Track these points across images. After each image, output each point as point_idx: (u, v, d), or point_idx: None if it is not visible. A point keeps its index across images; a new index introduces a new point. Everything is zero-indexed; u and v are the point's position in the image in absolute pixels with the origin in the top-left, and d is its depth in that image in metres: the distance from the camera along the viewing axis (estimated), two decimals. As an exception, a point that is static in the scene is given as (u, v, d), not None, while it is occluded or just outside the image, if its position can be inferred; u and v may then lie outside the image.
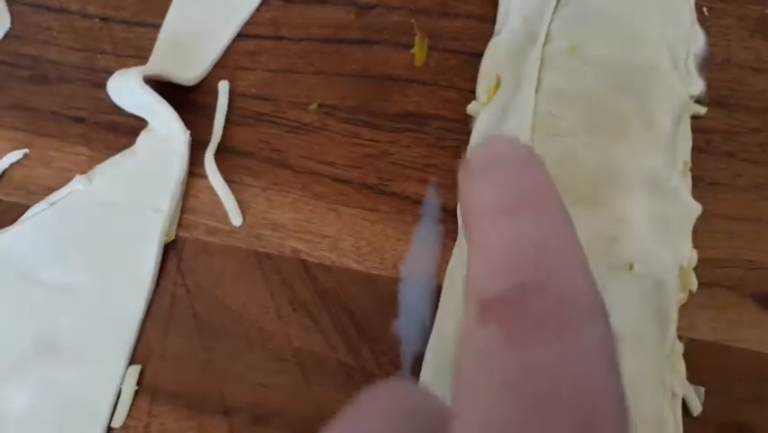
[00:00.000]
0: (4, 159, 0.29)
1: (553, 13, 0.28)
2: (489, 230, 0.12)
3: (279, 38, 0.31)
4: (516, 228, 0.11)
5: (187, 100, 0.30)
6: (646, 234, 0.23)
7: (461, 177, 0.13)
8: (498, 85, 0.28)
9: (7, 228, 0.27)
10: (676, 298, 0.23)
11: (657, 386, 0.22)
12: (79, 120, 0.30)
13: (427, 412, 0.13)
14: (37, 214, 0.27)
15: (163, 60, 0.30)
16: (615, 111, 0.24)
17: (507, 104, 0.27)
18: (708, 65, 0.30)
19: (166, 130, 0.28)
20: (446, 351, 0.23)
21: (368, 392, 0.13)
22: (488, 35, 0.30)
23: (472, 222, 0.12)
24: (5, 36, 0.32)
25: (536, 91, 0.26)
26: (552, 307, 0.10)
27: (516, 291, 0.11)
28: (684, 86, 0.27)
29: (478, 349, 0.11)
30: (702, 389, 0.24)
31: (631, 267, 0.22)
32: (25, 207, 0.28)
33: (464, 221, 0.13)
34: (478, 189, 0.12)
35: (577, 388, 0.10)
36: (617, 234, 0.22)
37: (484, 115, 0.28)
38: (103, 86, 0.30)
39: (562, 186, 0.23)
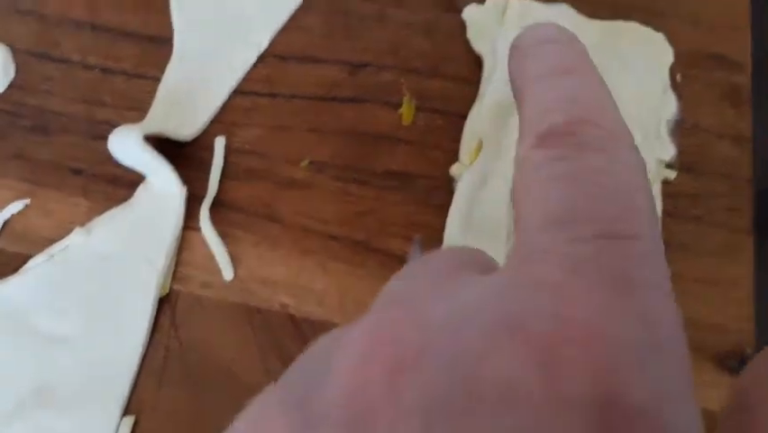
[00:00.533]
0: (7, 209, 0.30)
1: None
2: (546, 87, 0.13)
3: (274, 95, 0.33)
4: (569, 84, 0.13)
5: (183, 154, 0.31)
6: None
7: (514, 56, 0.15)
8: (479, 148, 0.30)
9: (9, 278, 0.28)
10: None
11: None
12: (78, 172, 0.31)
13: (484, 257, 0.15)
14: (37, 265, 0.28)
15: (161, 115, 0.31)
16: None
17: (488, 169, 0.28)
18: (678, 130, 0.32)
19: (163, 185, 0.29)
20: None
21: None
22: (473, 97, 0.32)
23: (529, 87, 0.14)
24: (9, 86, 0.33)
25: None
26: (599, 136, 0.13)
27: (569, 125, 0.13)
28: (652, 154, 0.29)
29: (535, 164, 0.13)
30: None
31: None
32: (26, 257, 0.29)
33: (518, 90, 0.14)
34: (533, 60, 0.14)
35: (621, 182, 0.12)
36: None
37: (466, 178, 0.29)
38: (102, 137, 0.31)
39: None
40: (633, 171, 0.12)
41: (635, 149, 0.13)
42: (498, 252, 0.26)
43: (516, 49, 0.15)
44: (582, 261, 0.11)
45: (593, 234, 0.11)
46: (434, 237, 0.30)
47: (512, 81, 0.15)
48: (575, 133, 0.13)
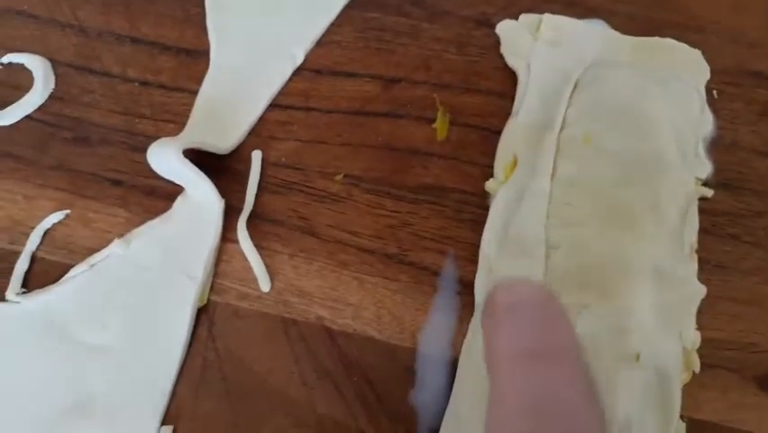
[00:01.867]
0: (48, 219, 0.31)
1: (570, 97, 0.30)
2: (513, 373, 0.14)
3: (310, 109, 0.33)
4: (536, 374, 0.13)
5: (221, 167, 0.32)
6: (652, 323, 0.24)
7: (486, 321, 0.15)
8: (515, 164, 0.30)
9: (50, 287, 0.29)
10: (679, 385, 0.24)
11: (660, 468, 0.24)
12: (118, 183, 0.32)
13: None
14: (77, 275, 0.29)
15: (199, 128, 0.32)
16: (624, 203, 0.26)
17: (524, 187, 0.28)
18: (715, 147, 0.31)
19: (201, 198, 0.30)
20: (461, 426, 0.25)
21: None
22: (507, 112, 0.32)
23: (498, 367, 0.14)
24: (50, 97, 0.34)
25: (552, 178, 0.27)
26: None
27: None
28: (691, 175, 0.29)
29: None
30: (703, 469, 0.26)
31: (638, 358, 0.23)
32: (66, 266, 0.30)
33: (489, 364, 0.14)
34: (503, 335, 0.14)
35: None
36: (626, 326, 0.23)
37: (501, 194, 0.29)
38: (141, 149, 0.31)
39: (573, 275, 0.25)
40: None
41: None
42: (534, 270, 0.26)
43: (487, 310, 0.15)
44: None
45: None
46: (467, 252, 0.30)
47: (484, 348, 0.16)
48: None
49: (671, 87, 0.29)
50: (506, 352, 0.14)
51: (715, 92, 0.33)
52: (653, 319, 0.24)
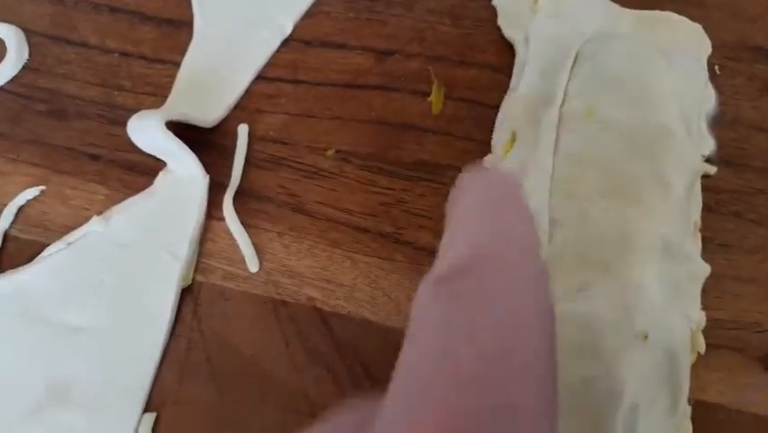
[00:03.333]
0: (21, 195, 0.29)
1: (570, 70, 0.29)
2: (432, 299, 0.13)
3: (298, 81, 0.32)
4: (455, 299, 0.12)
5: (205, 141, 0.30)
6: (660, 301, 0.23)
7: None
8: (513, 140, 0.29)
9: (24, 267, 0.27)
10: (687, 365, 0.24)
11: (667, 450, 0.23)
12: (96, 158, 0.30)
13: None
14: (54, 254, 0.27)
15: (182, 100, 0.30)
16: (629, 176, 0.25)
17: (524, 162, 0.27)
18: (717, 124, 0.31)
19: (185, 173, 0.28)
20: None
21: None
22: (504, 86, 0.31)
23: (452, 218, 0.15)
24: (23, 68, 0.32)
25: (553, 153, 0.26)
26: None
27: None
28: (697, 148, 0.28)
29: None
30: (708, 451, 0.25)
31: (646, 337, 0.22)
32: (42, 245, 0.28)
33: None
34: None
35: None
36: (633, 303, 0.22)
37: (500, 170, 0.28)
38: (120, 123, 0.30)
39: (578, 252, 0.24)
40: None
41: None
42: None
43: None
44: None
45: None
46: (465, 230, 0.28)
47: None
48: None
49: (675, 60, 0.28)
50: (430, 275, 0.13)
51: (717, 67, 0.32)
52: (660, 296, 0.23)
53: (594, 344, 0.22)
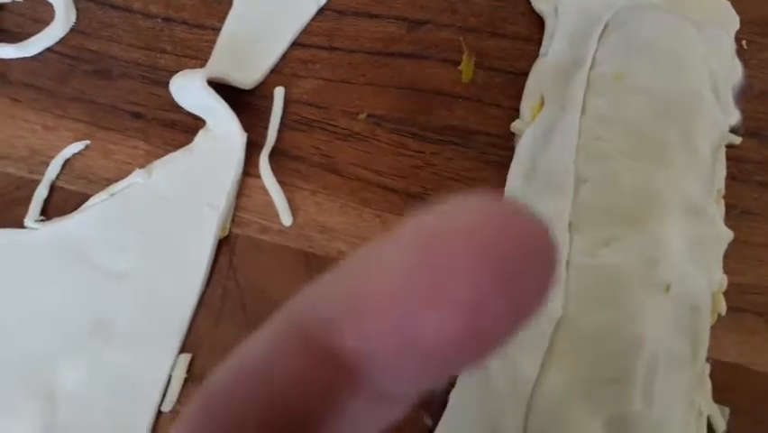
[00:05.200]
0: (68, 149, 0.30)
1: (600, 38, 0.30)
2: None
3: (333, 48, 0.33)
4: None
5: (243, 102, 0.31)
6: (683, 257, 0.24)
7: None
8: (542, 104, 0.29)
9: (70, 215, 0.29)
10: (708, 320, 0.24)
11: (686, 403, 0.23)
12: (138, 116, 0.31)
13: None
14: (98, 203, 0.29)
15: (222, 64, 0.31)
16: (657, 137, 0.25)
17: (552, 124, 0.28)
18: (744, 96, 0.31)
19: (224, 131, 0.29)
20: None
21: None
22: (533, 56, 0.32)
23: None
24: (71, 31, 0.33)
25: (581, 114, 0.27)
26: None
27: None
28: (725, 116, 0.28)
29: None
30: (727, 409, 0.25)
31: (668, 289, 0.23)
32: (85, 196, 0.29)
33: None
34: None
35: None
36: (657, 256, 0.23)
37: (528, 134, 0.29)
38: (162, 83, 0.31)
39: (603, 208, 0.25)
40: None
41: None
42: (562, 204, 0.25)
43: None
44: None
45: None
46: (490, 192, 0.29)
47: None
48: None
49: (704, 30, 0.29)
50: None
51: (744, 42, 0.32)
52: (683, 252, 0.24)
53: (617, 293, 0.23)
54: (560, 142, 0.27)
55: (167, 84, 0.30)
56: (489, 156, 0.30)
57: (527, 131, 0.29)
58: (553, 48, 0.30)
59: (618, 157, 0.25)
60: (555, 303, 0.23)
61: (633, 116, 0.26)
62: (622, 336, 0.22)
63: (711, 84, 0.27)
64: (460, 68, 0.32)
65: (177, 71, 0.31)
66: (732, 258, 0.27)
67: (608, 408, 0.22)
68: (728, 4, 0.32)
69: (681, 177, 0.25)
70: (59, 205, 0.30)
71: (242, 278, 0.28)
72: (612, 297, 0.23)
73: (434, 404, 0.26)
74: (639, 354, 0.22)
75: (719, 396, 0.25)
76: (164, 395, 0.26)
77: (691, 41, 0.28)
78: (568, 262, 0.24)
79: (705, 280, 0.24)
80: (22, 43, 0.33)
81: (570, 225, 0.25)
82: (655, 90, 0.26)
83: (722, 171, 0.28)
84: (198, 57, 0.33)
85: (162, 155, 0.30)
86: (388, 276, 0.10)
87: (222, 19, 0.33)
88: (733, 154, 0.29)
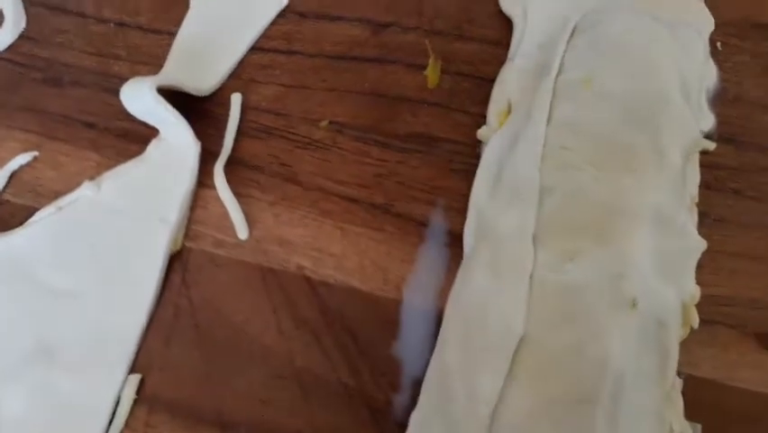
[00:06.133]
0: (14, 160, 0.29)
1: (568, 42, 0.29)
2: None
3: (293, 52, 0.31)
4: None
5: (198, 110, 0.30)
6: (651, 271, 0.23)
7: None
8: (509, 111, 0.28)
9: (15, 230, 0.27)
10: (677, 335, 0.23)
11: (655, 421, 0.22)
12: (90, 125, 0.30)
13: None
14: (44, 218, 0.27)
15: (177, 69, 0.30)
16: (625, 145, 0.24)
17: (518, 131, 0.27)
18: (719, 100, 0.30)
19: (177, 140, 0.28)
20: (445, 377, 0.23)
21: None
22: (501, 60, 0.30)
23: None
24: (20, 37, 0.32)
25: (548, 122, 0.26)
26: None
27: None
28: (695, 120, 0.27)
29: None
30: (699, 426, 0.24)
31: (634, 305, 0.22)
32: (33, 210, 0.28)
33: None
34: None
35: None
36: (623, 271, 0.22)
37: (494, 141, 0.28)
38: (115, 91, 0.30)
39: (569, 220, 0.24)
40: None
41: None
42: (526, 214, 0.24)
43: None
44: None
45: None
46: (457, 203, 0.28)
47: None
48: None
49: (675, 32, 0.28)
50: None
51: (719, 44, 0.31)
52: (651, 266, 0.23)
53: (582, 311, 0.22)
54: (525, 151, 0.25)
55: (120, 92, 0.29)
56: (455, 164, 0.29)
57: (493, 138, 0.28)
58: (521, 52, 0.29)
59: (585, 167, 0.24)
60: (517, 320, 0.22)
61: (600, 124, 0.25)
62: (586, 355, 0.21)
63: (681, 87, 0.26)
64: (425, 72, 0.31)
65: (131, 78, 0.30)
66: (705, 268, 0.26)
67: (571, 431, 0.21)
68: (702, 4, 0.31)
69: (649, 186, 0.24)
70: (4, 219, 0.28)
71: (195, 295, 0.27)
72: (576, 314, 0.22)
73: (394, 427, 0.25)
74: (604, 373, 0.21)
75: (692, 412, 0.24)
76: (112, 418, 0.25)
77: (662, 43, 0.27)
78: (531, 277, 0.23)
79: (674, 294, 0.23)
80: (-32, 50, 0.31)
81: (534, 237, 0.24)
82: (623, 94, 0.25)
83: (695, 178, 0.27)
84: (153, 63, 0.31)
85: (115, 166, 0.29)
86: None
87: (178, 23, 0.32)
88: (707, 161, 0.28)
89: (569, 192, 0.24)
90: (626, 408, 0.21)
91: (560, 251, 0.23)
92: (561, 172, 0.24)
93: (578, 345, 0.21)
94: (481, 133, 0.29)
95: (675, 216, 0.24)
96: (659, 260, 0.23)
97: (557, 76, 0.27)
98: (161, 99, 0.27)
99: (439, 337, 0.24)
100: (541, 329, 0.22)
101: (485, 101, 0.30)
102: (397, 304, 0.26)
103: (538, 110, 0.26)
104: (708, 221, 0.28)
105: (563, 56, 0.28)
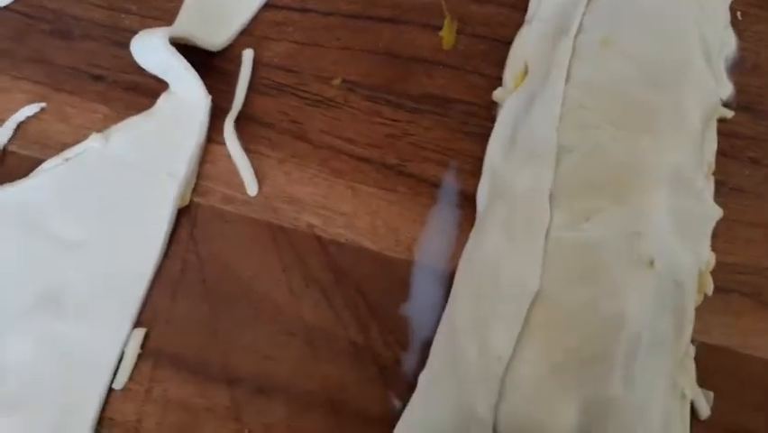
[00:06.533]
0: (21, 111, 0.28)
1: (587, 5, 0.28)
2: None
3: (307, 10, 0.31)
4: None
5: (210, 65, 0.29)
6: (669, 231, 0.22)
7: None
8: (525, 72, 0.28)
9: (21, 181, 0.27)
10: (694, 297, 0.23)
11: (669, 386, 0.22)
12: (99, 78, 0.30)
13: None
14: (51, 168, 0.27)
15: (189, 23, 0.30)
16: (645, 105, 0.24)
17: (535, 92, 0.26)
18: (737, 69, 0.30)
19: (187, 94, 0.28)
20: (456, 336, 0.23)
21: None
22: (518, 23, 0.30)
23: None
24: (29, -12, 0.31)
25: (566, 82, 0.25)
26: None
27: None
28: (716, 83, 0.27)
29: None
30: (711, 394, 0.24)
31: (651, 264, 0.21)
32: (39, 161, 0.28)
33: None
34: None
35: None
36: (641, 230, 0.22)
37: (510, 102, 0.27)
38: (125, 45, 0.29)
39: (587, 178, 0.23)
40: None
41: None
42: (542, 172, 0.23)
43: None
44: None
45: None
46: (471, 165, 0.28)
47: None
48: None
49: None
50: None
51: (739, 13, 0.31)
52: (669, 226, 0.22)
53: (599, 269, 0.21)
54: (542, 110, 0.25)
55: (129, 45, 0.29)
56: (469, 126, 0.29)
57: (509, 100, 0.27)
58: (540, 14, 0.29)
59: (604, 126, 0.24)
60: (533, 276, 0.21)
61: (620, 84, 0.24)
62: (602, 313, 0.21)
63: (702, 50, 0.26)
64: (441, 33, 0.30)
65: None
66: (720, 236, 0.26)
67: (585, 390, 0.20)
68: (724, -28, 0.30)
69: (668, 147, 0.23)
70: (11, 169, 0.28)
71: (203, 251, 0.26)
72: (593, 272, 0.21)
73: (403, 386, 0.24)
74: (620, 332, 0.20)
75: (704, 380, 0.24)
76: (116, 371, 0.24)
77: (681, 5, 0.26)
78: (547, 236, 0.22)
79: (691, 256, 0.23)
80: (-25, 0, 0.31)
81: (551, 196, 0.23)
82: (642, 55, 0.25)
83: (713, 146, 0.27)
84: (164, 18, 0.31)
85: (123, 119, 0.28)
86: None
87: (190, -22, 0.31)
88: (724, 129, 0.28)
89: (587, 151, 0.23)
90: (641, 370, 0.21)
91: (577, 210, 0.22)
92: (579, 132, 0.24)
93: (593, 303, 0.21)
94: (497, 94, 0.28)
95: (693, 180, 0.24)
96: (676, 221, 0.23)
97: (576, 36, 0.27)
98: (173, 49, 0.27)
99: (450, 297, 0.24)
100: (556, 286, 0.21)
101: (501, 63, 0.29)
102: (408, 264, 0.26)
103: (557, 69, 0.26)
104: (724, 190, 0.27)
105: (582, 18, 0.27)
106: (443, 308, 0.25)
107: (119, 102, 0.29)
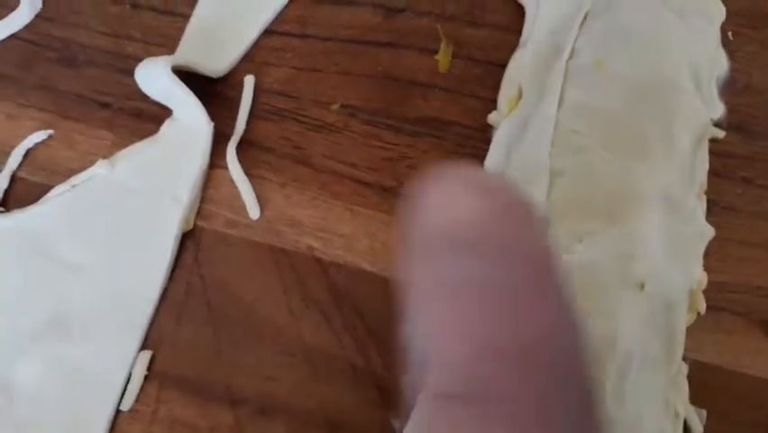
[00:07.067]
0: (29, 138, 0.29)
1: (580, 27, 0.29)
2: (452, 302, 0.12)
3: (306, 36, 0.32)
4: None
5: (211, 92, 0.30)
6: (659, 253, 0.23)
7: (420, 263, 0.13)
8: (520, 96, 0.29)
9: (30, 207, 0.28)
10: (684, 319, 0.23)
11: (661, 405, 0.23)
12: (105, 105, 0.30)
13: None
14: (59, 195, 0.28)
15: (191, 51, 0.30)
16: (636, 129, 0.25)
17: (529, 116, 0.27)
18: (729, 89, 0.30)
19: (190, 120, 0.28)
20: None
21: None
22: (512, 46, 0.31)
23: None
24: (37, 17, 0.32)
25: (559, 105, 0.26)
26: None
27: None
28: (705, 108, 0.27)
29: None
30: (704, 412, 0.25)
31: (642, 286, 0.22)
32: (48, 188, 0.28)
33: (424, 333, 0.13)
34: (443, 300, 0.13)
35: None
36: (632, 252, 0.22)
37: (505, 126, 0.28)
38: (130, 72, 0.30)
39: (579, 202, 0.24)
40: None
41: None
42: (537, 198, 0.24)
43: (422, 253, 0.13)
44: None
45: None
46: (467, 187, 0.28)
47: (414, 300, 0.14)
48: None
49: (688, 19, 0.28)
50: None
51: (730, 33, 0.31)
52: (660, 248, 0.23)
53: (590, 290, 0.22)
54: (535, 133, 0.26)
55: (134, 72, 0.29)
56: (466, 148, 0.29)
57: (504, 123, 0.28)
58: (533, 37, 0.29)
59: (595, 149, 0.24)
60: (526, 301, 0.22)
61: (610, 106, 0.25)
62: (594, 333, 0.21)
63: (692, 73, 0.26)
64: (437, 57, 0.31)
65: (145, 59, 0.30)
66: (713, 255, 0.26)
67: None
68: (715, -7, 0.31)
69: (659, 170, 0.24)
70: (20, 196, 0.29)
71: (207, 274, 0.27)
72: (585, 291, 0.22)
73: (401, 409, 0.25)
74: (612, 352, 0.21)
75: (697, 398, 0.24)
76: (123, 393, 0.25)
77: (672, 29, 0.27)
78: (540, 259, 0.23)
79: (682, 278, 0.23)
80: (-16, 29, 0.32)
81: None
82: (633, 78, 0.25)
83: (704, 166, 0.28)
84: (167, 45, 0.31)
85: (128, 145, 0.29)
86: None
87: (192, 5, 0.32)
88: (716, 149, 0.29)
89: (579, 174, 0.24)
90: (633, 389, 0.22)
91: (570, 232, 0.23)
92: (571, 155, 0.25)
93: (586, 324, 0.21)
94: (492, 118, 0.29)
95: (684, 201, 0.24)
96: (668, 243, 0.23)
97: (568, 59, 0.27)
98: (175, 78, 0.27)
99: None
100: (549, 310, 0.22)
101: (496, 86, 0.30)
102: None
103: (549, 93, 0.26)
104: (716, 209, 0.28)
105: (576, 41, 0.28)
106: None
107: (124, 129, 0.30)
